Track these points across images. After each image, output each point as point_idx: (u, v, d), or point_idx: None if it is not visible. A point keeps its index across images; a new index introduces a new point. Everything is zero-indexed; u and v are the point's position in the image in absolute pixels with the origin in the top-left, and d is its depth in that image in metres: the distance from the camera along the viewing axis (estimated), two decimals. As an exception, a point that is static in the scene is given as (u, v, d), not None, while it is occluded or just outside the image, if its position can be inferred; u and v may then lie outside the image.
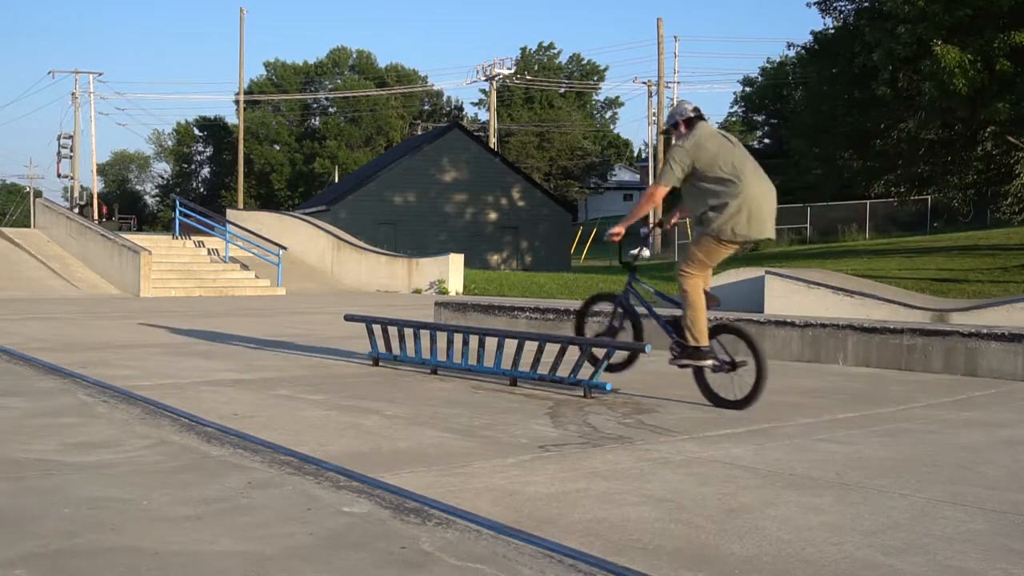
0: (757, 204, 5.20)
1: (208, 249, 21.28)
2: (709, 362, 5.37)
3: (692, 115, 5.41)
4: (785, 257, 26.78)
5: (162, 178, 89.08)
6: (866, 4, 22.41)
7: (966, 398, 5.93)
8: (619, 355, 5.84)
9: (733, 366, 5.34)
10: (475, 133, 49.73)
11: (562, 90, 70.05)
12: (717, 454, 4.05)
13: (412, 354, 6.81)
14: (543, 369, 5.91)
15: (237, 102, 50.98)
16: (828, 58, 23.87)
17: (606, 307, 6.18)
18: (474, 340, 6.46)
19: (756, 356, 5.20)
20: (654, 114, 47.28)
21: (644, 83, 52.13)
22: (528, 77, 63.78)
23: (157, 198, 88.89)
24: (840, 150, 23.89)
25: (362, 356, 7.32)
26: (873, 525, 2.98)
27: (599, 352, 5.85)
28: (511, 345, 6.09)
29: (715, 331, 5.46)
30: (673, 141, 5.42)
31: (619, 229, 5.57)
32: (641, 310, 5.87)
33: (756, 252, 34.00)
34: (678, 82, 58.75)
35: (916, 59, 18.43)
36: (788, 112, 44.69)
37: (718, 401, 5.41)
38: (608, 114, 78.37)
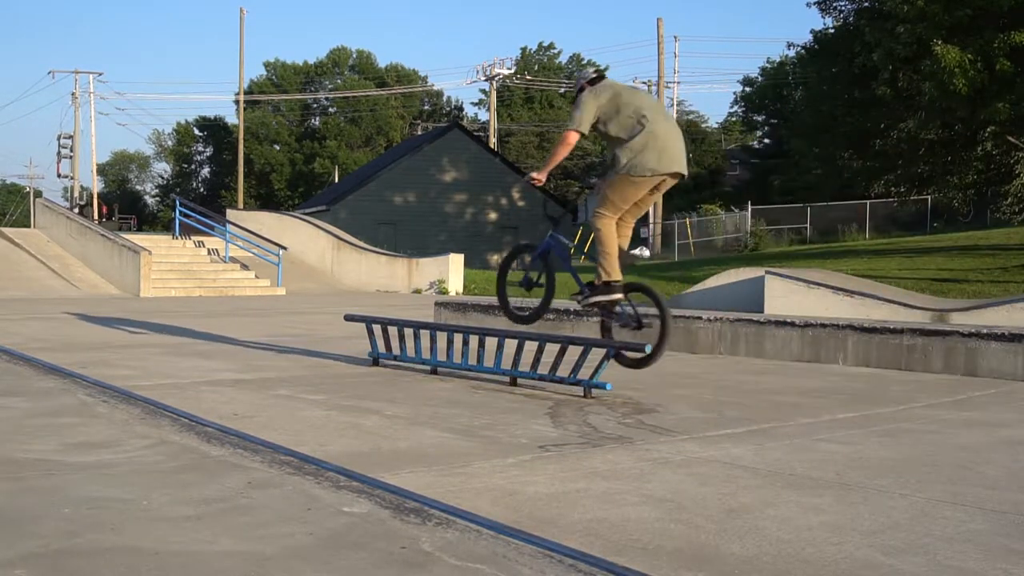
0: (664, 139, 5.39)
1: (208, 249, 21.30)
2: (618, 295, 5.56)
3: (594, 76, 5.67)
4: (785, 257, 26.77)
5: (162, 178, 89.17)
6: (866, 4, 22.38)
7: (966, 398, 5.93)
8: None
9: (639, 324, 5.56)
10: (475, 133, 49.74)
11: (562, 90, 69.99)
12: (717, 454, 4.05)
13: (412, 354, 6.81)
14: (543, 369, 5.91)
15: (237, 102, 51.01)
16: (828, 58, 23.83)
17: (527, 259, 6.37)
18: (474, 340, 6.46)
19: (661, 315, 5.37)
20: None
21: (644, 83, 51.99)
22: (528, 77, 63.77)
23: (157, 198, 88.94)
24: (840, 150, 23.85)
25: (362, 356, 7.32)
26: (873, 525, 2.97)
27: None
28: (511, 345, 6.10)
29: (624, 289, 5.62)
30: None
31: (540, 176, 5.75)
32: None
33: (756, 252, 34.02)
34: (678, 82, 58.71)
35: (916, 59, 18.41)
36: (788, 112, 44.65)
37: (621, 359, 5.59)
38: (608, 114, 78.27)
